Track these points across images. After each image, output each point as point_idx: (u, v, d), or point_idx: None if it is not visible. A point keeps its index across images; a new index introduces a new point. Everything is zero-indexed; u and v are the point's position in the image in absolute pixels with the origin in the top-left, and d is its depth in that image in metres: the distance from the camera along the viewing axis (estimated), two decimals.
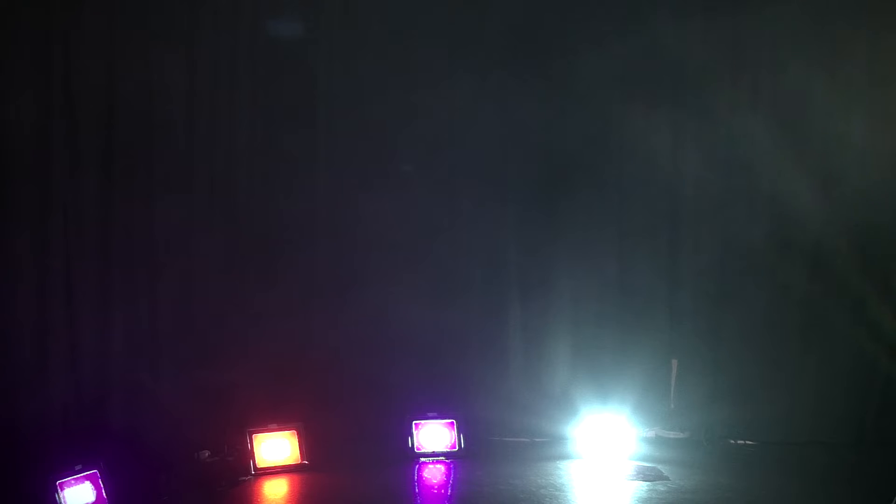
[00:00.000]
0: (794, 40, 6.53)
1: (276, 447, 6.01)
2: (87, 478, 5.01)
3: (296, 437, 6.04)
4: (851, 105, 6.51)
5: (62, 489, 4.88)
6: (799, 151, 6.60)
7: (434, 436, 6.30)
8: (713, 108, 6.64)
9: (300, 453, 6.03)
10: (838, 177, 6.57)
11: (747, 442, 6.77)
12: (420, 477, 5.95)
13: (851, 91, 6.51)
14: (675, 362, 6.91)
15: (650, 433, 6.87)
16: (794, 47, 6.53)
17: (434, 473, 6.03)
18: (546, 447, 6.62)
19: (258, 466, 5.94)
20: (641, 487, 5.72)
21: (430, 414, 6.31)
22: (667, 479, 5.89)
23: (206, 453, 6.25)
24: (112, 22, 6.15)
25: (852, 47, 6.52)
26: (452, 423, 6.31)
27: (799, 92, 6.50)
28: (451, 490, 5.73)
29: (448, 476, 5.98)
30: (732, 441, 6.78)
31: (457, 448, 6.27)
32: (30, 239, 6.01)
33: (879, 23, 6.52)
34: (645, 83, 6.70)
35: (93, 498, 5.01)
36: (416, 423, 6.27)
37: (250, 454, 5.94)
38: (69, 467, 4.97)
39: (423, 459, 6.23)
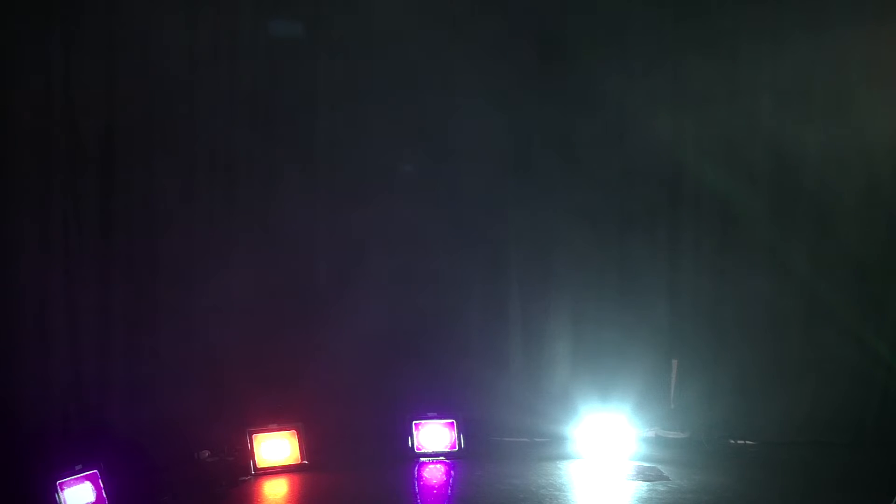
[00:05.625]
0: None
1: (276, 447, 6.02)
2: (87, 478, 5.00)
3: (296, 437, 6.05)
4: (852, 97, 6.53)
5: (62, 489, 4.87)
6: (798, 149, 6.62)
7: (434, 436, 6.30)
8: (713, 100, 6.66)
9: (300, 453, 6.04)
10: (838, 174, 6.58)
11: (747, 442, 6.77)
12: (420, 477, 5.95)
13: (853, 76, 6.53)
14: (675, 362, 6.91)
15: (650, 433, 6.87)
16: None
17: (434, 473, 6.04)
18: (546, 447, 6.63)
19: (258, 466, 5.94)
20: (641, 487, 5.72)
21: (430, 414, 6.32)
22: (667, 479, 5.89)
23: (206, 453, 6.25)
24: (113, 21, 6.15)
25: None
26: (452, 423, 6.31)
27: (802, 73, 6.53)
28: (451, 490, 5.73)
29: (448, 476, 5.98)
30: (732, 441, 6.78)
31: (457, 448, 6.27)
32: (30, 239, 6.00)
33: None
34: (644, 78, 6.70)
35: (93, 498, 5.00)
36: (416, 423, 6.27)
37: (250, 454, 5.94)
38: (69, 467, 4.96)
39: (423, 459, 6.23)
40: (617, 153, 6.83)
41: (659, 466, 6.16)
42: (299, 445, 6.04)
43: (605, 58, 6.67)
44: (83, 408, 6.08)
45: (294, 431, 6.05)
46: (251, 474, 5.91)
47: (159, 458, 5.97)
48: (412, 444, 6.25)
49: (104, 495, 5.05)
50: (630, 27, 6.70)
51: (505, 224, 6.89)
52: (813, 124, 6.59)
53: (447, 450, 6.28)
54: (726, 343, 6.82)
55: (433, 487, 5.78)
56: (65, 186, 6.05)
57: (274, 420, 6.06)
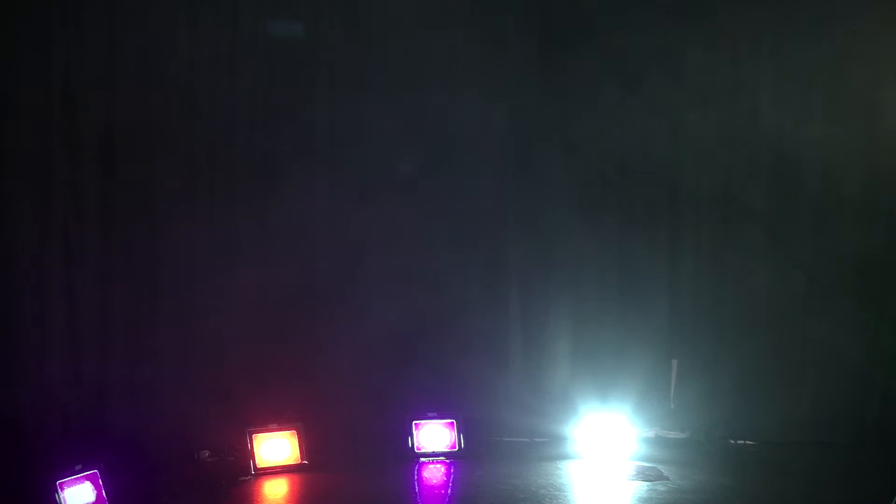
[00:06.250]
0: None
1: (276, 447, 6.01)
2: (87, 478, 5.00)
3: (296, 437, 6.04)
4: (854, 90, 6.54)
5: (62, 489, 4.87)
6: (799, 147, 6.61)
7: (434, 436, 6.30)
8: (714, 98, 6.67)
9: (300, 453, 6.04)
10: (839, 173, 6.58)
11: (747, 442, 6.77)
12: (420, 477, 5.95)
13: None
14: (675, 362, 6.91)
15: (650, 433, 6.87)
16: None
17: (434, 473, 6.03)
18: (546, 447, 6.62)
19: (258, 466, 5.94)
20: (641, 487, 5.72)
21: (430, 414, 6.31)
22: (667, 479, 5.89)
23: (206, 453, 6.25)
24: (113, 20, 6.15)
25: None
26: (452, 423, 6.31)
27: (803, 71, 6.56)
28: (451, 490, 5.73)
29: (448, 476, 5.98)
30: (732, 441, 6.78)
31: (457, 448, 6.27)
32: (30, 239, 6.00)
33: None
34: (645, 76, 6.70)
35: (93, 498, 5.00)
36: (416, 423, 6.27)
37: (250, 454, 5.94)
38: (69, 467, 4.96)
39: (423, 459, 6.23)
40: (617, 152, 6.82)
41: (659, 466, 6.16)
42: (299, 445, 6.04)
43: (605, 56, 6.66)
44: (83, 408, 6.09)
45: (294, 431, 6.05)
46: (251, 474, 5.91)
47: (159, 458, 5.97)
48: (412, 444, 6.25)
49: (104, 495, 5.05)
50: (631, 25, 6.69)
51: (505, 224, 6.89)
52: (813, 122, 6.59)
53: (447, 450, 6.27)
54: (726, 343, 6.81)
55: (433, 487, 5.78)
56: (65, 186, 6.06)
57: (274, 420, 6.06)
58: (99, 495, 5.03)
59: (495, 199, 6.85)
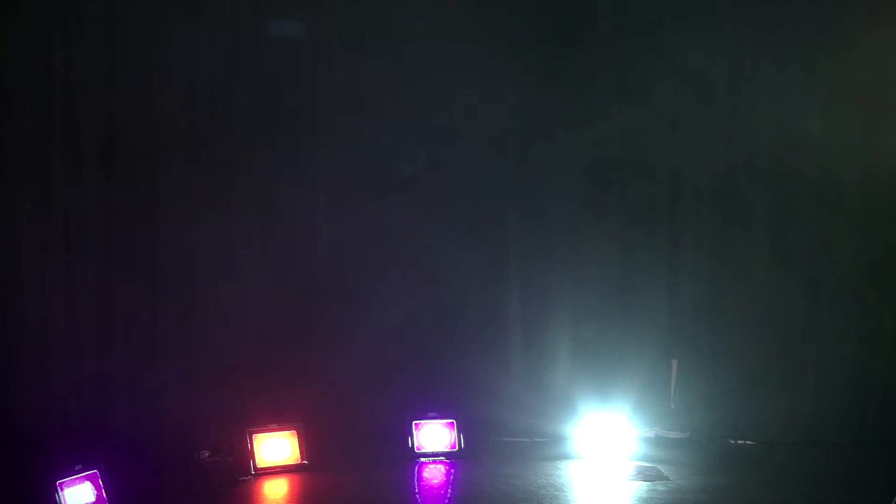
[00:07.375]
0: None
1: (276, 447, 6.01)
2: (87, 478, 5.00)
3: (296, 437, 6.04)
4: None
5: (62, 489, 4.87)
6: (800, 146, 6.62)
7: (434, 436, 6.29)
8: (715, 96, 6.68)
9: (300, 453, 6.03)
10: (840, 172, 6.59)
11: (747, 442, 6.77)
12: (420, 477, 5.95)
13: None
14: (675, 362, 6.91)
15: (650, 433, 6.87)
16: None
17: (434, 473, 6.03)
18: (546, 447, 6.62)
19: (258, 466, 5.94)
20: (641, 487, 5.72)
21: (430, 414, 6.31)
22: (667, 479, 5.89)
23: (206, 453, 6.25)
24: (113, 20, 6.15)
25: None
26: (452, 423, 6.30)
27: (804, 68, 6.57)
28: (451, 490, 5.73)
29: (448, 476, 5.98)
30: (732, 441, 6.78)
31: (457, 448, 6.27)
32: (30, 239, 6.01)
33: None
34: (646, 73, 6.70)
35: (93, 498, 5.00)
36: (416, 423, 6.27)
37: (250, 454, 5.94)
38: (69, 467, 4.96)
39: (423, 459, 6.23)
40: (618, 150, 6.81)
41: (659, 466, 6.16)
42: (299, 445, 6.04)
43: (606, 53, 6.67)
44: (83, 408, 6.09)
45: (294, 431, 6.05)
46: (251, 474, 5.90)
47: (159, 459, 5.97)
48: (412, 444, 6.25)
49: (104, 495, 5.04)
50: (632, 22, 6.68)
51: (505, 223, 6.88)
52: (814, 120, 6.59)
53: (447, 450, 6.27)
54: (726, 343, 6.80)
55: (433, 487, 5.78)
56: (65, 186, 6.07)
57: (274, 420, 6.06)
58: (99, 495, 5.03)
59: (496, 198, 6.84)
